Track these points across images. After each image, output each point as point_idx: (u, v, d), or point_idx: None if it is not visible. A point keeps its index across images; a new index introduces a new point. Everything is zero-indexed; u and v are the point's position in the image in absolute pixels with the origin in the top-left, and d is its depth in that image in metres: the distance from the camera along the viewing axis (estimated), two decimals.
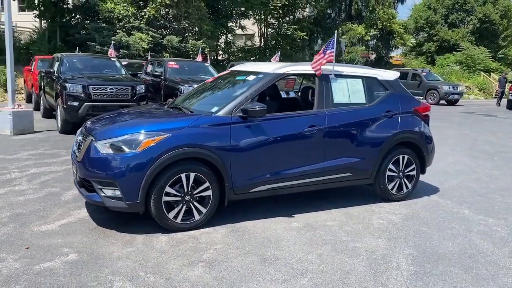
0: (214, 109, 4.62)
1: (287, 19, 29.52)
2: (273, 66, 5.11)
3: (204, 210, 4.38)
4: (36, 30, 23.85)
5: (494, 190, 6.32)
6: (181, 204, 4.26)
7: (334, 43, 5.12)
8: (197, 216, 4.36)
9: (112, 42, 16.72)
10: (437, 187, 6.40)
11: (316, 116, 4.97)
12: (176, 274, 3.43)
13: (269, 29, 29.70)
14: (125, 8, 22.09)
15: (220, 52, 27.77)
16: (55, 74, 11.05)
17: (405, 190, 5.62)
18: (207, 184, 4.34)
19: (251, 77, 5.06)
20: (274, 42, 29.66)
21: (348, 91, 5.26)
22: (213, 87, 5.57)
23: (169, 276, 3.40)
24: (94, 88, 9.98)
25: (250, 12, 27.57)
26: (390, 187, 5.50)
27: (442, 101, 23.72)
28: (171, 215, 4.22)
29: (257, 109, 4.45)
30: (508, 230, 4.73)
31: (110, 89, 10.07)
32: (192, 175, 4.25)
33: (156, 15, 22.15)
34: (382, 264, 3.78)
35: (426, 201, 5.66)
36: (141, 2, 22.95)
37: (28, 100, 16.65)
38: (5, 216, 4.53)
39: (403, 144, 5.56)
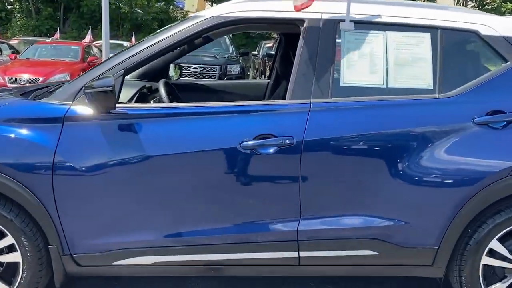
0: (59, 91, 2.33)
1: None
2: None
3: None
4: None
5: None
6: None
7: None
8: None
9: None
10: None
11: (277, 114, 2.20)
12: None
13: (469, 2, 24.36)
14: None
15: None
16: None
17: None
18: (10, 240, 2.16)
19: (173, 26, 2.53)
20: None
21: (386, 62, 2.25)
22: None
23: None
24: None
25: None
26: None
27: None
28: None
29: (98, 89, 2.00)
30: None
31: (194, 68, 9.06)
32: None
33: None
34: None
35: None
36: None
37: None
38: None
39: None
